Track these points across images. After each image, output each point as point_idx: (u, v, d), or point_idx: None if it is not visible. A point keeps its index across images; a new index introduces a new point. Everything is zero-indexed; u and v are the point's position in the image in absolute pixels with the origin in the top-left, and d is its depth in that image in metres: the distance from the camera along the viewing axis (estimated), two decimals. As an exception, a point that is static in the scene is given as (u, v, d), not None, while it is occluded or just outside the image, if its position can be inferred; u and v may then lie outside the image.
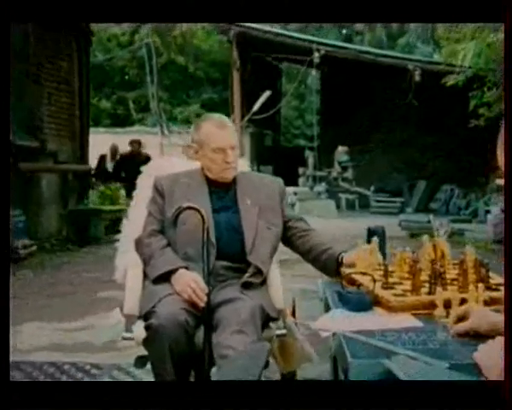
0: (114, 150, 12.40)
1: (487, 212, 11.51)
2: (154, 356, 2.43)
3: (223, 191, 2.84)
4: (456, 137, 15.95)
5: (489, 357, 1.59)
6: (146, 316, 2.50)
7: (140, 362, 2.66)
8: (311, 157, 16.24)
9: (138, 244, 2.78)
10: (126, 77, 24.49)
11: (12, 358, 3.80)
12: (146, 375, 3.54)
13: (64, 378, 3.49)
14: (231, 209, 2.81)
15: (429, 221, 7.38)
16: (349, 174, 16.12)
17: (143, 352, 2.61)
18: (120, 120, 22.38)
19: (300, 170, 16.09)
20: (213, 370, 2.49)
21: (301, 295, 2.98)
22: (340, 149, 15.96)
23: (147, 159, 10.11)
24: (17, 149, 8.14)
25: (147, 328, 2.43)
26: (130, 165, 10.27)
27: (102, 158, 12.19)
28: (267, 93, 14.85)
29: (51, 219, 9.31)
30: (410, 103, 14.45)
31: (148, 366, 2.86)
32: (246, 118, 15.14)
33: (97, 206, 10.16)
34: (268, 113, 15.45)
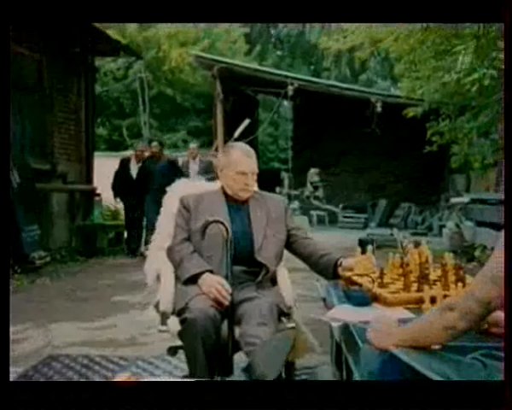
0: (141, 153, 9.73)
1: (441, 226, 11.79)
2: (188, 345, 2.57)
3: (239, 206, 3.01)
4: (413, 162, 16.29)
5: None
6: (179, 312, 2.66)
7: (172, 351, 2.82)
8: (286, 178, 16.37)
9: (170, 251, 2.93)
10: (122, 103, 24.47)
11: (49, 353, 3.95)
12: (166, 365, 3.70)
13: (97, 368, 3.60)
14: (245, 221, 2.97)
15: (392, 234, 7.58)
16: (320, 193, 16.21)
17: (172, 343, 2.77)
18: (115, 146, 22.38)
19: (277, 189, 16.23)
20: (236, 357, 2.68)
21: (298, 299, 3.16)
22: (312, 170, 16.09)
23: (170, 162, 9.15)
24: (32, 171, 8.25)
25: (182, 321, 2.59)
26: (154, 166, 9.01)
27: (126, 161, 9.75)
28: (246, 121, 14.95)
29: (61, 232, 9.38)
30: (373, 132, 14.72)
31: (166, 357, 3.02)
32: (228, 144, 15.21)
33: (102, 221, 10.26)
34: (247, 139, 15.57)
